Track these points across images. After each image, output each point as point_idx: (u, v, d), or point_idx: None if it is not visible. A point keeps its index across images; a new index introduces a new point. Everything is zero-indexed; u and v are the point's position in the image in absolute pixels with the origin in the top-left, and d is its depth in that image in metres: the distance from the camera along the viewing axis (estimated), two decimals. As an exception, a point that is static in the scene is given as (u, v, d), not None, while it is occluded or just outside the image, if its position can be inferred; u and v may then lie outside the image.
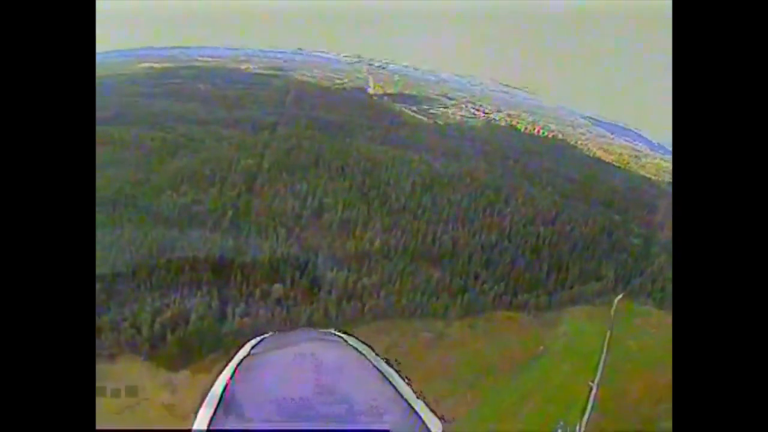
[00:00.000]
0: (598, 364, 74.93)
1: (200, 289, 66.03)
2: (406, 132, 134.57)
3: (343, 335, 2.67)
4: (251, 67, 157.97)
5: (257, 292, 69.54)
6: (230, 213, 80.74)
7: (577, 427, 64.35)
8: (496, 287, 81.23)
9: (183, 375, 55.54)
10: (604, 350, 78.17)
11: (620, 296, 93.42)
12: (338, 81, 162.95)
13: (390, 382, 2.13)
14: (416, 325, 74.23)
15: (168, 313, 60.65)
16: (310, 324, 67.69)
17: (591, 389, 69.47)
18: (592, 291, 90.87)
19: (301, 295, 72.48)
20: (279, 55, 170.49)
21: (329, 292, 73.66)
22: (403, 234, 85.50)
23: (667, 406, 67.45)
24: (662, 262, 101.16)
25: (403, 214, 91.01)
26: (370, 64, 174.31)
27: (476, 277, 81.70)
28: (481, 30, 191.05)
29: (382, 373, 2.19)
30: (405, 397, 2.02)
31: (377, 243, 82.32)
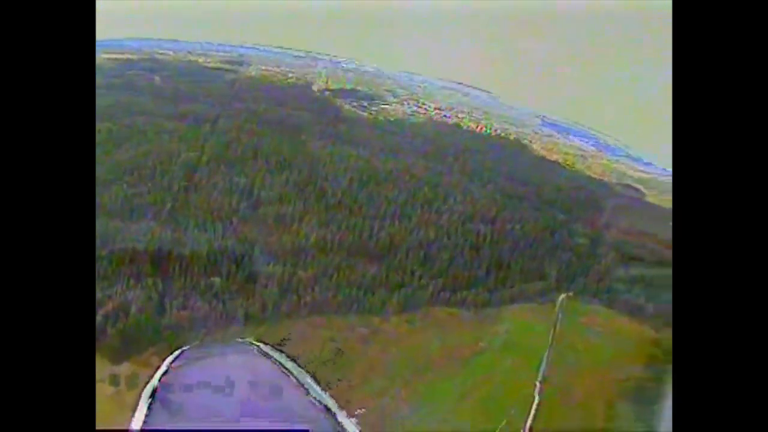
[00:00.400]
0: (541, 362, 73.63)
1: (140, 282, 65.66)
2: (346, 127, 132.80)
3: (259, 344, 2.08)
4: (207, 60, 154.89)
5: (195, 285, 68.97)
6: (170, 205, 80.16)
7: (522, 428, 62.92)
8: (434, 283, 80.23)
9: (125, 367, 55.01)
10: (549, 348, 76.88)
11: (564, 295, 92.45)
12: (290, 76, 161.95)
13: (306, 390, 1.59)
14: (352, 320, 72.95)
15: (109, 305, 60.27)
16: (247, 317, 67.92)
17: (536, 387, 68.25)
18: (534, 289, 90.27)
19: (238, 289, 71.53)
20: (237, 50, 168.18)
21: (266, 286, 72.23)
22: (340, 229, 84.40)
23: (613, 406, 67.95)
24: (608, 261, 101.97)
25: (339, 209, 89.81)
26: (323, 60, 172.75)
27: (413, 273, 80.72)
28: (444, 29, 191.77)
29: (298, 381, 1.65)
30: (323, 403, 1.51)
31: (313, 237, 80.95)
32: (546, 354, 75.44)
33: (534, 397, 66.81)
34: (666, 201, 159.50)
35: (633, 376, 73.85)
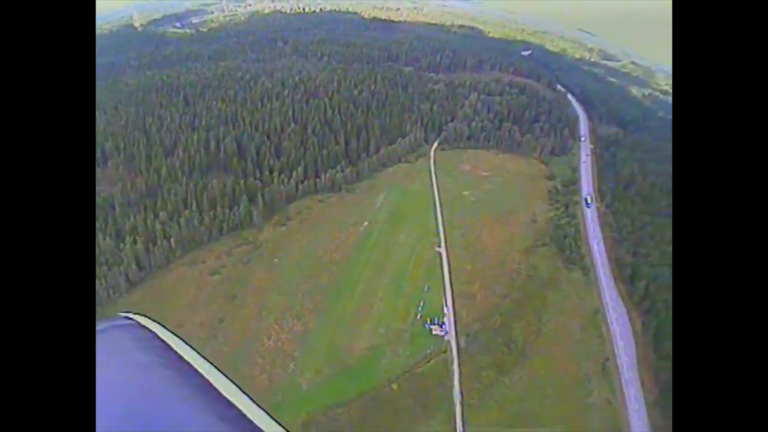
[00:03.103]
0: (436, 224, 69.52)
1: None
2: (171, 51, 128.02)
3: (138, 318, 2.06)
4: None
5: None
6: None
7: (443, 290, 58.94)
8: (294, 174, 73.63)
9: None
10: (437, 207, 73.01)
11: (435, 145, 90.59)
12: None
13: (195, 369, 1.80)
14: (227, 244, 65.53)
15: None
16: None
17: (440, 254, 63.87)
18: (401, 149, 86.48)
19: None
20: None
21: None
22: (185, 151, 77.11)
23: (532, 251, 63.93)
24: (473, 101, 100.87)
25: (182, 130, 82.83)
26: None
27: (271, 171, 73.57)
28: None
29: (185, 360, 1.82)
30: (215, 384, 1.70)
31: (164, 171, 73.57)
32: (437, 215, 71.63)
33: (442, 265, 62.42)
34: (508, 32, 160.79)
35: (542, 215, 71.69)
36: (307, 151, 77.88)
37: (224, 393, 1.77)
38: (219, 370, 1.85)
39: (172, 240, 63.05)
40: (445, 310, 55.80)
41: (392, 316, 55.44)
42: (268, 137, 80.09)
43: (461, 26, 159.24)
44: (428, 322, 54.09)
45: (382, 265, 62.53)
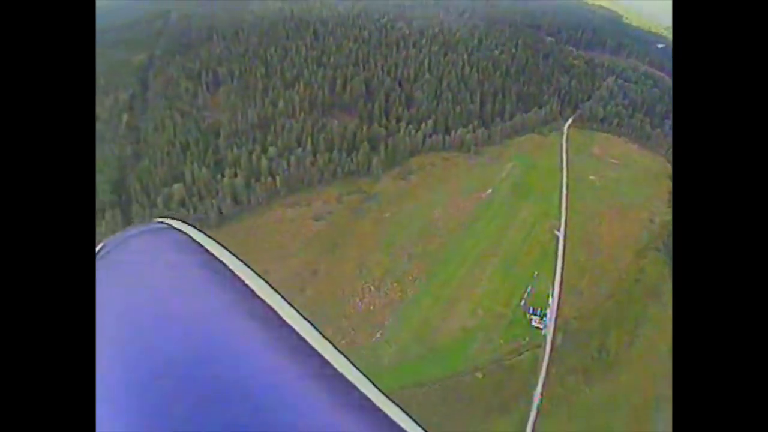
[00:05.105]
0: (559, 205, 63.86)
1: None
2: None
3: (176, 224, 1.72)
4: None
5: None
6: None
7: (552, 280, 53.72)
8: (423, 127, 68.57)
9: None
10: (563, 189, 66.98)
11: (570, 120, 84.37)
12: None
13: (244, 283, 1.61)
14: (338, 189, 61.40)
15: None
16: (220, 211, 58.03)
17: (557, 238, 58.47)
18: (535, 119, 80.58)
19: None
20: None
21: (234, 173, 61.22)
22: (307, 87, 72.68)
23: (644, 254, 58.31)
24: (610, 84, 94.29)
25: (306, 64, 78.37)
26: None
27: (398, 120, 68.86)
28: None
29: (233, 272, 1.48)
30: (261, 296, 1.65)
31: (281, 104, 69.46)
32: (561, 197, 65.68)
33: (557, 251, 57.01)
34: (644, 23, 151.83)
35: (659, 216, 64.33)
36: (440, 105, 73.00)
37: (263, 296, 1.44)
38: (259, 276, 1.48)
39: (278, 178, 59.39)
40: (550, 301, 51.11)
41: (495, 299, 50.96)
42: (400, 84, 75.73)
43: (600, 6, 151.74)
44: (531, 311, 49.77)
45: (498, 241, 57.49)
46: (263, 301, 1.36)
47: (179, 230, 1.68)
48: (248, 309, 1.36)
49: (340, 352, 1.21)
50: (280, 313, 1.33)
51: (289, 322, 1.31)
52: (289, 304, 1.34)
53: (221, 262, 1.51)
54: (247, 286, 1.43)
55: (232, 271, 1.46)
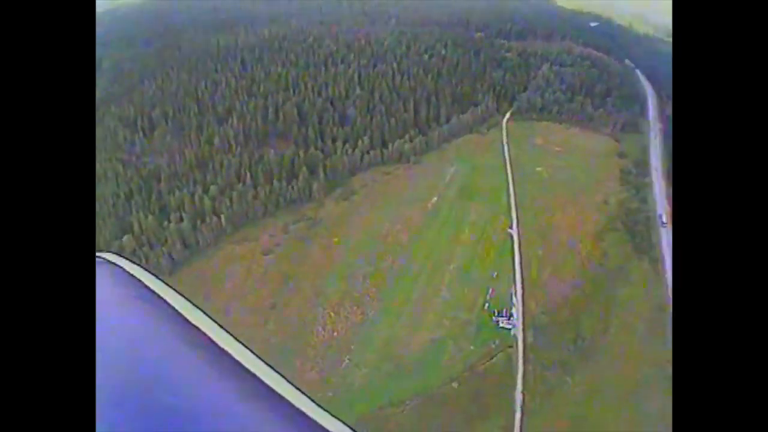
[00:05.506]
0: (508, 202, 63.71)
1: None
2: (229, 13, 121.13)
3: (111, 257, 2.02)
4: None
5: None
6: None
7: (513, 278, 53.92)
8: (360, 144, 68.44)
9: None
10: (510, 185, 66.76)
11: (507, 115, 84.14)
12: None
13: (186, 321, 1.70)
14: (284, 219, 61.03)
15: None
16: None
17: (511, 237, 58.45)
18: (472, 118, 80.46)
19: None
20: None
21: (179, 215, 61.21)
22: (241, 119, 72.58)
23: (603, 237, 58.71)
24: (545, 71, 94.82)
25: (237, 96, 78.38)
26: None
27: (334, 140, 68.37)
28: None
29: (174, 309, 1.72)
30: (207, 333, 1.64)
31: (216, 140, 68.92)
32: (509, 193, 65.56)
33: (513, 249, 57.05)
34: (575, 3, 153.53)
35: (613, 196, 65.22)
36: (374, 119, 72.62)
37: (194, 322, 1.65)
38: (210, 317, 1.67)
39: (222, 217, 58.70)
40: (514, 300, 51.16)
41: (458, 306, 50.98)
42: (332, 103, 75.18)
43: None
44: (496, 313, 49.78)
45: (452, 247, 57.41)
46: (192, 325, 1.50)
47: (114, 263, 1.87)
48: (178, 332, 1.49)
49: (270, 366, 1.31)
50: (210, 334, 1.47)
51: (218, 342, 1.43)
52: (219, 325, 1.45)
53: (153, 291, 1.69)
54: (177, 311, 1.58)
55: (164, 299, 1.63)
